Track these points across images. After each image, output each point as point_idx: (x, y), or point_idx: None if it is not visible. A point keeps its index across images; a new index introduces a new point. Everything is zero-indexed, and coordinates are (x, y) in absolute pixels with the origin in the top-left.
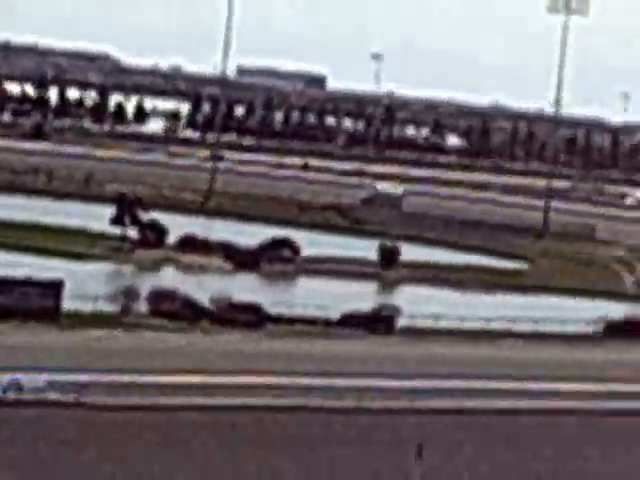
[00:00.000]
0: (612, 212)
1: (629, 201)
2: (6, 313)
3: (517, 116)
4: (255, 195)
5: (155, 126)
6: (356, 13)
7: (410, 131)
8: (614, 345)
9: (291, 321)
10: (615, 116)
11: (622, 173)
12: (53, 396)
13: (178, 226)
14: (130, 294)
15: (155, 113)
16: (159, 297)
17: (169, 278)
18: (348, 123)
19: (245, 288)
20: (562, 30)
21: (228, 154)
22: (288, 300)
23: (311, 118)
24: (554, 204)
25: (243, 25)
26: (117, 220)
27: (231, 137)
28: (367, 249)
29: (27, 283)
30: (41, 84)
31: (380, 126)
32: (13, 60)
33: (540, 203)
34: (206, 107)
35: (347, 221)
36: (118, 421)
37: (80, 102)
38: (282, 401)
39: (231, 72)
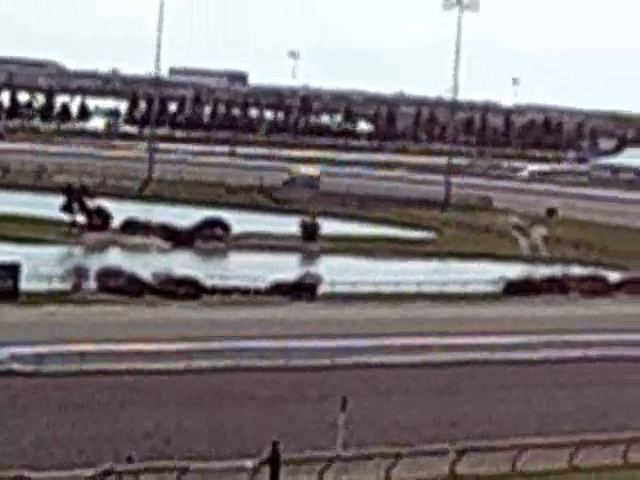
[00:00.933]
0: (507, 184)
1: (522, 174)
2: None
3: (419, 102)
4: (188, 181)
5: (97, 123)
6: (271, 16)
7: (324, 119)
8: (513, 302)
9: (225, 292)
10: (507, 99)
11: (515, 150)
12: (15, 367)
13: (121, 211)
14: (80, 273)
15: (97, 112)
16: (106, 275)
17: (115, 258)
18: (269, 114)
19: (183, 264)
20: (457, 25)
21: (162, 145)
22: (222, 273)
23: (236, 111)
24: (455, 179)
25: (172, 30)
26: (66, 208)
27: (165, 130)
28: (290, 225)
29: None
30: None
31: (298, 116)
32: None
33: (442, 179)
34: (142, 105)
35: (271, 201)
36: (70, 386)
37: (30, 104)
38: (217, 363)
39: (164, 73)
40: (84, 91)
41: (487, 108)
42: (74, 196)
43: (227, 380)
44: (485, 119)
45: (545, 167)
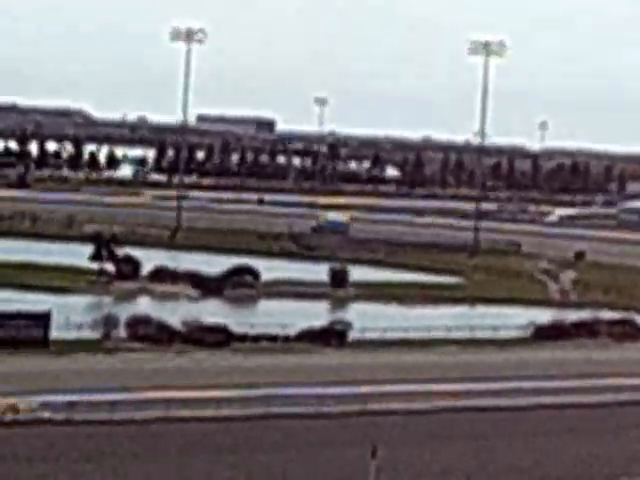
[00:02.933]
0: (535, 229)
1: (550, 218)
2: (0, 343)
3: (447, 148)
4: (217, 228)
5: (125, 171)
6: (298, 62)
7: (352, 165)
8: (542, 347)
9: (255, 339)
10: (534, 143)
11: (543, 194)
12: (46, 415)
13: (150, 259)
14: (110, 321)
15: (125, 160)
16: (136, 323)
17: (144, 305)
18: (297, 161)
19: (212, 311)
20: (483, 70)
21: (192, 193)
22: (251, 320)
23: (264, 158)
24: (483, 224)
25: (199, 78)
26: (95, 256)
27: (193, 178)
28: (319, 272)
29: (18, 316)
30: (22, 139)
31: (325, 162)
32: None
33: (471, 224)
34: (170, 153)
35: (300, 248)
36: (100, 434)
37: (58, 153)
38: (248, 411)
39: (191, 120)
40: (112, 139)
41: (514, 152)
42: (103, 245)
43: (258, 427)
44: (513, 163)
45: (573, 211)
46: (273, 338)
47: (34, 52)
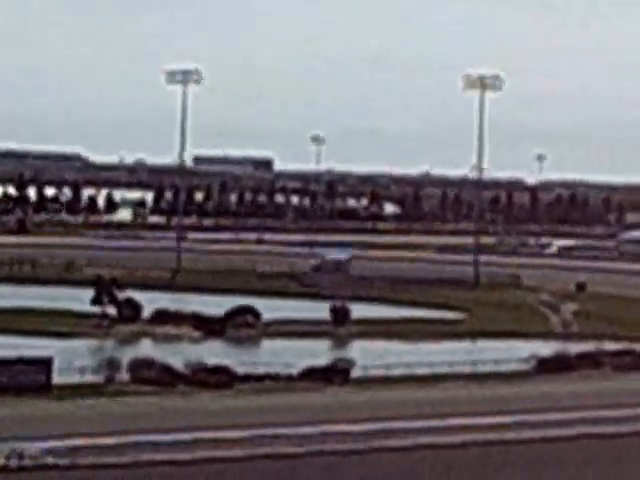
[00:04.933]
0: (535, 261)
1: (551, 250)
2: (2, 389)
3: (445, 183)
4: (217, 269)
5: (124, 214)
6: (293, 100)
7: (351, 202)
8: (546, 379)
9: (258, 379)
10: (532, 176)
11: (542, 226)
12: (50, 461)
13: (151, 302)
14: (113, 365)
15: (123, 203)
16: (139, 366)
17: (146, 348)
18: (295, 200)
19: (214, 352)
20: (479, 104)
21: (191, 235)
22: (254, 360)
23: (262, 197)
24: (483, 258)
25: (196, 119)
26: (96, 300)
27: (192, 220)
28: (320, 310)
29: (20, 361)
30: (21, 184)
31: (324, 200)
32: None
33: (470, 258)
34: (168, 194)
35: (300, 286)
36: (108, 478)
37: (56, 198)
38: (253, 451)
39: (188, 162)
40: (109, 183)
41: (513, 185)
42: (104, 288)
43: (263, 468)
44: (511, 196)
45: (572, 243)
46: (276, 377)
47: (30, 98)
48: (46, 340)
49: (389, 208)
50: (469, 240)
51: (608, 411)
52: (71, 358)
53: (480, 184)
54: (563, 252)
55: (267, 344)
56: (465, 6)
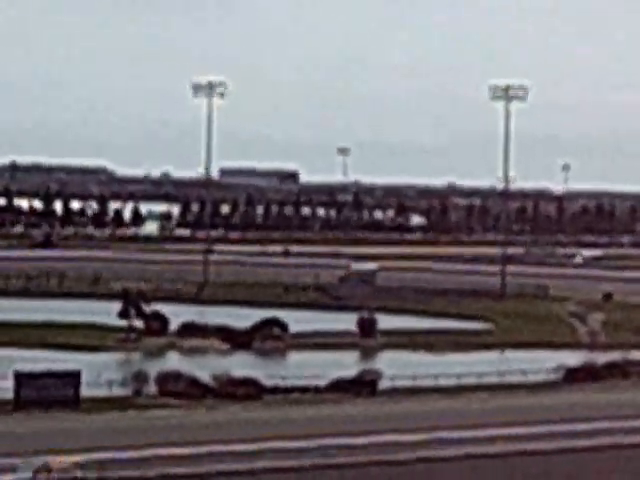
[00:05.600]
0: (562, 271)
1: (577, 260)
2: (31, 403)
3: (471, 193)
4: (243, 282)
5: (150, 228)
6: (320, 112)
7: (377, 214)
8: (573, 389)
9: (285, 391)
10: (558, 186)
11: (568, 236)
12: (79, 474)
13: (178, 315)
14: (140, 378)
15: (150, 216)
16: (166, 379)
17: (174, 361)
18: (321, 212)
19: (242, 365)
20: (505, 115)
21: (217, 247)
22: (281, 373)
23: (288, 210)
24: (510, 268)
25: (221, 131)
26: (123, 314)
27: (219, 232)
28: (347, 322)
29: (48, 375)
30: (47, 198)
31: (350, 212)
32: (21, 178)
33: (497, 269)
34: (194, 207)
35: (327, 298)
36: None
37: (82, 211)
38: (283, 463)
39: (214, 174)
40: (136, 196)
41: (539, 195)
42: (131, 302)
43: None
44: (537, 207)
45: (599, 252)
46: (304, 390)
47: (56, 112)
48: (74, 354)
49: (415, 219)
50: (495, 251)
51: (636, 421)
52: (99, 371)
53: (506, 194)
54: (590, 262)
55: (294, 356)
56: (493, 18)
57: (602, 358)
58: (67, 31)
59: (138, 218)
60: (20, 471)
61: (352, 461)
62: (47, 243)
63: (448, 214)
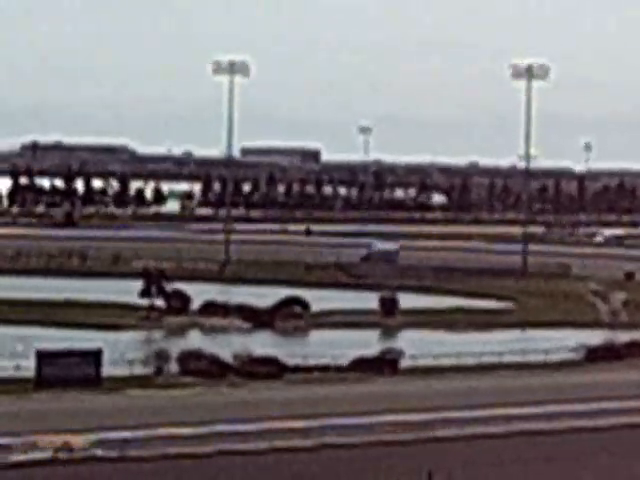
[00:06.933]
0: (583, 250)
1: (598, 239)
2: (53, 381)
3: (492, 172)
4: (265, 261)
5: (172, 206)
6: (340, 90)
7: (399, 193)
8: (595, 369)
9: (307, 370)
10: (580, 165)
11: (590, 215)
12: (100, 453)
13: (199, 293)
14: (162, 357)
15: (171, 195)
16: (188, 357)
17: (195, 340)
18: (343, 190)
19: (263, 344)
20: (526, 93)
21: (238, 226)
22: (302, 351)
23: (309, 189)
24: (531, 247)
25: (243, 110)
26: (145, 292)
27: (240, 211)
28: (369, 301)
29: (69, 353)
30: (68, 177)
31: (371, 191)
32: (42, 157)
33: (518, 248)
34: (216, 186)
35: (349, 277)
36: (158, 471)
37: (104, 190)
38: (303, 442)
39: (236, 153)
40: (157, 175)
41: (560, 175)
42: (152, 280)
43: (312, 459)
44: (559, 186)
45: (620, 231)
46: (325, 368)
47: (77, 90)
48: (95, 332)
49: (437, 198)
50: (517, 230)
51: None
52: (120, 350)
53: (528, 173)
54: (612, 241)
55: (315, 335)
56: None
57: (623, 337)
58: (89, 12)
59: (160, 197)
60: (40, 450)
61: (374, 439)
62: (68, 222)
63: (469, 193)
